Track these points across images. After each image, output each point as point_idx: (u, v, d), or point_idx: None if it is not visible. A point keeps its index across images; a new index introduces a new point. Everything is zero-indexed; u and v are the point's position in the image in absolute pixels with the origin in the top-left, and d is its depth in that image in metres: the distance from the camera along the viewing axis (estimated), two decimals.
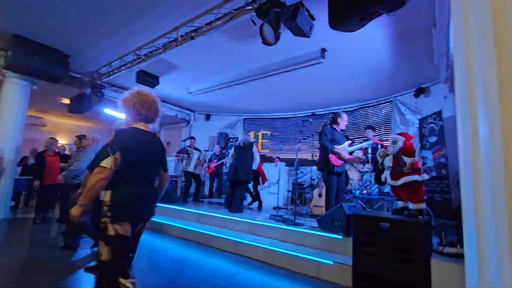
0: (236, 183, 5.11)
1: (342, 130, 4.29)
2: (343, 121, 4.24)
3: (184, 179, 6.28)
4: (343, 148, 4.04)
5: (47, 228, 5.14)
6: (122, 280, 1.56)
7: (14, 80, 5.72)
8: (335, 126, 4.21)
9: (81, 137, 4.71)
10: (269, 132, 9.10)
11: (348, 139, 4.27)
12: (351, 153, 4.15)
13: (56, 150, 6.02)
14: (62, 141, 10.39)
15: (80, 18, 4.34)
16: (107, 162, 1.57)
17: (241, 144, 5.21)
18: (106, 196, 1.62)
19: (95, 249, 3.19)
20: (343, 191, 4.26)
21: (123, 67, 5.54)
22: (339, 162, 4.01)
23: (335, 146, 3.99)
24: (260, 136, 9.19)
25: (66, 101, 7.30)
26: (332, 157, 4.01)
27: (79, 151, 4.27)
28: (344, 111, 7.57)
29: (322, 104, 7.83)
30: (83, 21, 4.41)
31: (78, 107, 6.56)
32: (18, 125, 5.83)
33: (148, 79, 6.02)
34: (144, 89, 1.90)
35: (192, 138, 6.82)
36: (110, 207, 1.60)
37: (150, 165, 1.79)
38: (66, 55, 5.67)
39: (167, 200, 5.88)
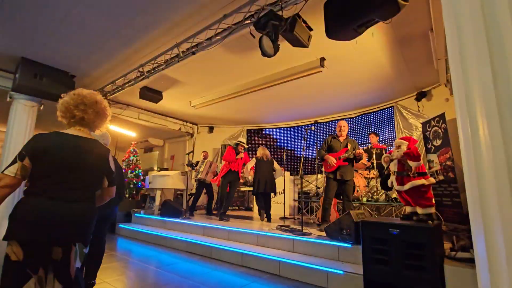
0: (263, 194, 5.59)
1: (344, 137, 4.37)
2: (339, 128, 4.40)
3: (189, 192, 6.29)
4: (336, 154, 4.25)
5: None
6: None
7: (22, 102, 5.85)
8: (335, 135, 4.43)
9: None
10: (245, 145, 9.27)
11: (347, 146, 4.29)
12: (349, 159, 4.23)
13: None
14: None
15: (85, 40, 4.50)
16: (11, 169, 1.35)
17: (262, 158, 5.67)
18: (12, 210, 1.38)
19: None
20: (348, 199, 4.25)
21: (127, 84, 5.66)
22: (328, 169, 4.25)
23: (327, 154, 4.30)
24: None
25: None
26: (324, 164, 4.35)
27: None
28: (345, 118, 7.62)
29: (324, 112, 7.85)
30: (87, 42, 4.56)
31: None
32: None
33: (152, 94, 6.13)
34: (87, 90, 1.63)
35: (204, 151, 7.09)
36: (8, 222, 1.34)
37: (76, 175, 1.46)
38: (72, 75, 5.83)
39: (172, 214, 5.86)
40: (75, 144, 1.50)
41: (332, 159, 4.19)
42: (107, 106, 1.68)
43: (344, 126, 4.41)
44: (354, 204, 5.40)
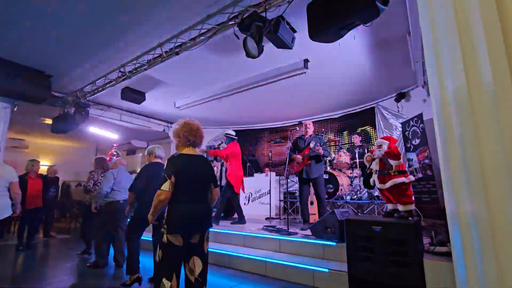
0: None
1: (308, 136, 4.53)
2: (306, 129, 4.60)
3: None
4: (301, 154, 4.41)
5: (31, 254, 4.91)
6: (164, 281, 1.87)
7: None
8: (302, 135, 4.62)
9: (99, 160, 4.93)
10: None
11: (308, 144, 4.38)
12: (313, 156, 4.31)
13: (38, 173, 5.83)
14: (45, 162, 10.04)
15: (63, 39, 4.31)
16: (165, 186, 1.93)
17: None
18: (166, 211, 1.99)
19: None
20: (319, 197, 4.30)
21: (108, 85, 5.49)
22: (297, 168, 4.41)
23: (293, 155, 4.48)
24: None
25: (49, 121, 7.15)
26: (292, 165, 4.49)
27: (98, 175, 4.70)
28: (330, 119, 7.72)
29: (309, 113, 7.96)
30: (65, 41, 4.38)
31: (62, 126, 6.42)
32: None
33: (134, 95, 5.97)
34: (189, 119, 2.24)
35: None
36: (166, 220, 1.95)
37: (200, 184, 2.07)
38: (49, 75, 5.55)
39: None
40: (197, 161, 2.13)
41: (298, 157, 4.33)
42: (202, 129, 2.29)
43: (308, 124, 4.61)
44: (338, 203, 5.52)
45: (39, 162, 5.84)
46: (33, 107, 6.20)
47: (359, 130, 7.20)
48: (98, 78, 5.50)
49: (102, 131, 8.18)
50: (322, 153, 4.25)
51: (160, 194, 1.93)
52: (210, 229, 4.59)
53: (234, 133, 5.49)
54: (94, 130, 7.94)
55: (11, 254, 4.88)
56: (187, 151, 2.15)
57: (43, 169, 7.18)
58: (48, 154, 10.85)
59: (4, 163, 4.36)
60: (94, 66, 5.18)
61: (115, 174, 3.99)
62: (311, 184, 4.43)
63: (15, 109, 5.93)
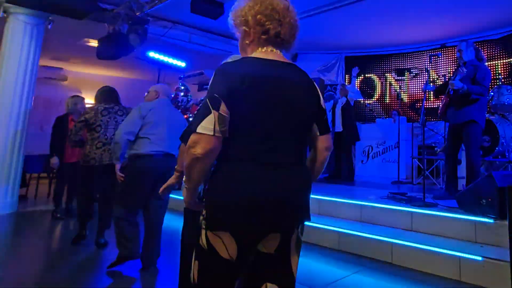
0: None
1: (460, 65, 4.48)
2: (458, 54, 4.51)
3: None
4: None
5: (71, 225, 5.02)
6: None
7: (21, 18, 5.85)
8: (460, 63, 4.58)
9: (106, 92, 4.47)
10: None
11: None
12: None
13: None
14: (89, 100, 11.83)
15: None
16: (205, 125, 1.27)
17: None
18: (208, 183, 1.39)
19: None
20: (467, 153, 4.34)
21: None
22: (440, 111, 4.58)
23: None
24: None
25: (94, 43, 7.69)
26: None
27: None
28: (484, 40, 7.47)
29: (456, 31, 7.64)
30: None
31: (111, 50, 6.93)
32: (28, 80, 5.96)
33: (209, 6, 6.19)
34: None
35: None
36: (206, 203, 1.38)
37: (286, 123, 1.39)
38: None
39: None
40: (284, 74, 1.43)
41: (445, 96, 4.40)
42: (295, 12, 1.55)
43: (459, 50, 4.51)
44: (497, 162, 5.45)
45: (83, 98, 6.01)
46: (74, 25, 6.73)
47: None
48: None
49: (165, 58, 8.75)
50: (462, 88, 4.13)
51: (195, 144, 1.27)
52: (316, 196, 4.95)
53: None
54: (154, 55, 8.49)
55: (45, 224, 5.31)
56: (262, 54, 1.45)
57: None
58: (93, 89, 12.61)
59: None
60: None
61: (145, 111, 3.48)
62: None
63: (50, 26, 6.47)
